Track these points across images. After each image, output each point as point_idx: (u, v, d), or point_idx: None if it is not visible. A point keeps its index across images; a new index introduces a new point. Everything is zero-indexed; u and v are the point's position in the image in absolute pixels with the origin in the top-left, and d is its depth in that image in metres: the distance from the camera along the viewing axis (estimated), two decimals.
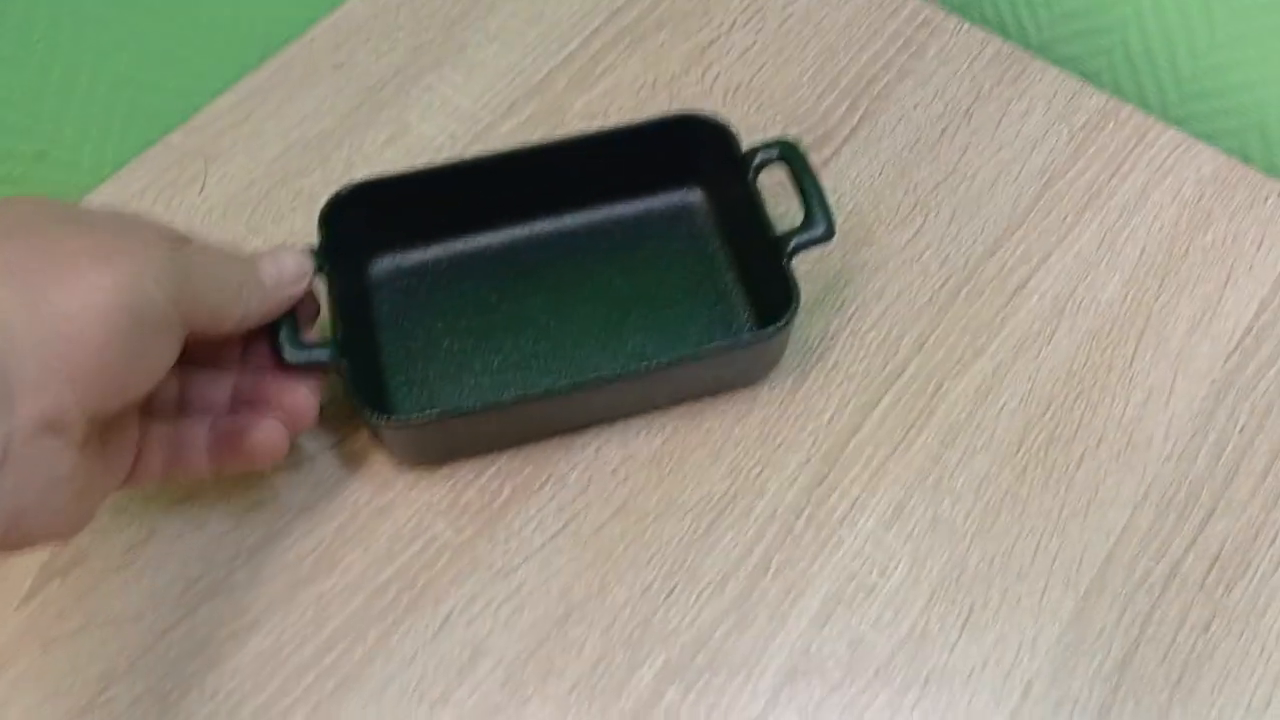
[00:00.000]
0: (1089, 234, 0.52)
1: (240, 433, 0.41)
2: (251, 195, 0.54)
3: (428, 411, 0.44)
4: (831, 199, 0.46)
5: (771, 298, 0.46)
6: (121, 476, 0.38)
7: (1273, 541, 0.45)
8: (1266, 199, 0.53)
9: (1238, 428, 0.47)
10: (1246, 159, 0.57)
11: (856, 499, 0.46)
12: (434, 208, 0.49)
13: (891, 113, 0.56)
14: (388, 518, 0.46)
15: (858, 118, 0.56)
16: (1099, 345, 0.49)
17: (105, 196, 0.54)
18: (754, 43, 0.58)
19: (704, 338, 0.49)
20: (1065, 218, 0.53)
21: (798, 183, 0.46)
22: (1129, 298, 0.50)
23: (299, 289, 0.42)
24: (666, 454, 0.47)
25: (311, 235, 0.45)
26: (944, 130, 0.56)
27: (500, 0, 0.60)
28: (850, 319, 0.50)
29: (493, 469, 0.47)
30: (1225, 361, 0.49)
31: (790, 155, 0.46)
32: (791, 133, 0.55)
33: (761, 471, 0.46)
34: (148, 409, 0.40)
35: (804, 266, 0.51)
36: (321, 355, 0.42)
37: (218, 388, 0.42)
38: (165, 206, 0.54)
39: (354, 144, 0.56)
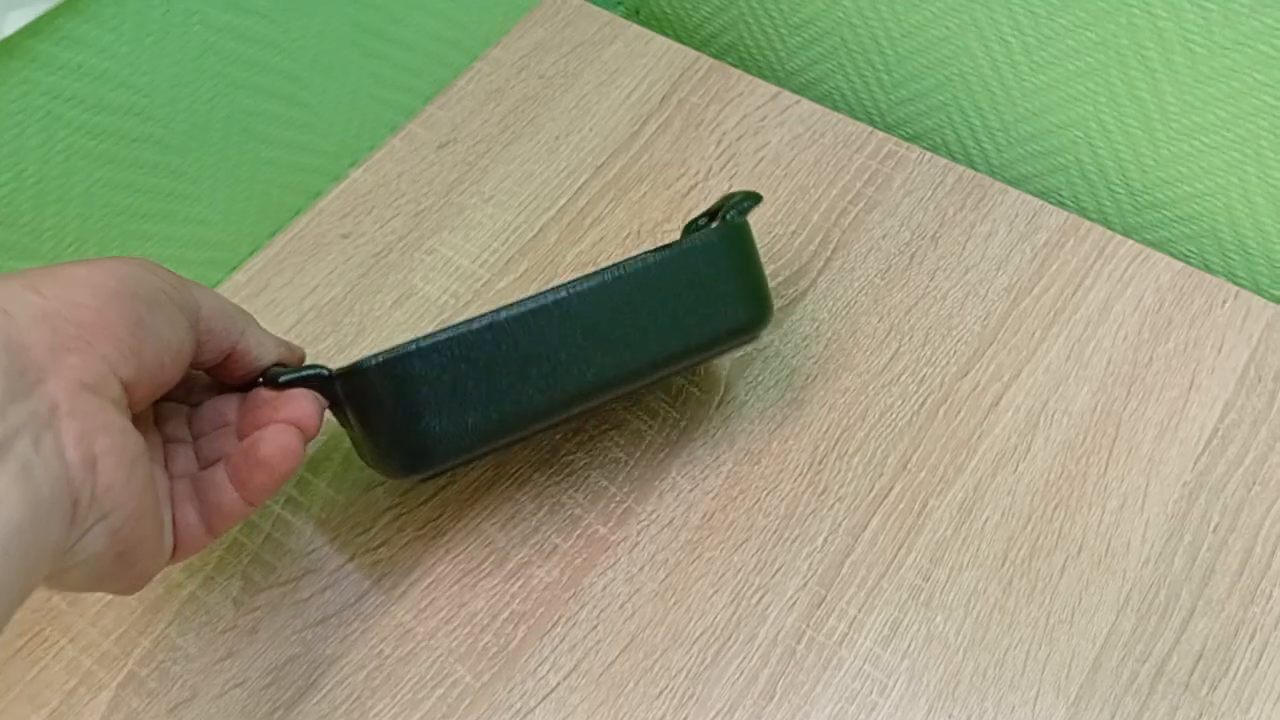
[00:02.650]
0: (1057, 348, 0.55)
1: (253, 446, 0.41)
2: None
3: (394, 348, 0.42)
4: (812, 329, 0.49)
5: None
6: (170, 544, 0.40)
7: (1252, 637, 0.47)
8: (1224, 302, 0.56)
9: (1211, 527, 0.50)
10: (1206, 265, 0.61)
11: (854, 619, 0.48)
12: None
13: (862, 243, 0.60)
14: (411, 664, 0.48)
15: (831, 250, 0.60)
16: (1073, 455, 0.52)
17: None
18: (729, 188, 0.62)
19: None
20: (1033, 333, 0.56)
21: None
22: (1099, 407, 0.53)
23: (280, 350, 0.45)
24: (670, 586, 0.50)
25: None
26: (913, 256, 0.59)
27: (493, 163, 0.65)
28: (836, 443, 0.53)
29: (506, 612, 0.49)
30: (1194, 464, 0.51)
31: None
32: (768, 269, 0.59)
33: (762, 597, 0.49)
34: (172, 470, 0.42)
35: (789, 394, 0.54)
36: (310, 372, 0.43)
37: (227, 441, 0.43)
38: None
39: (363, 308, 0.60)
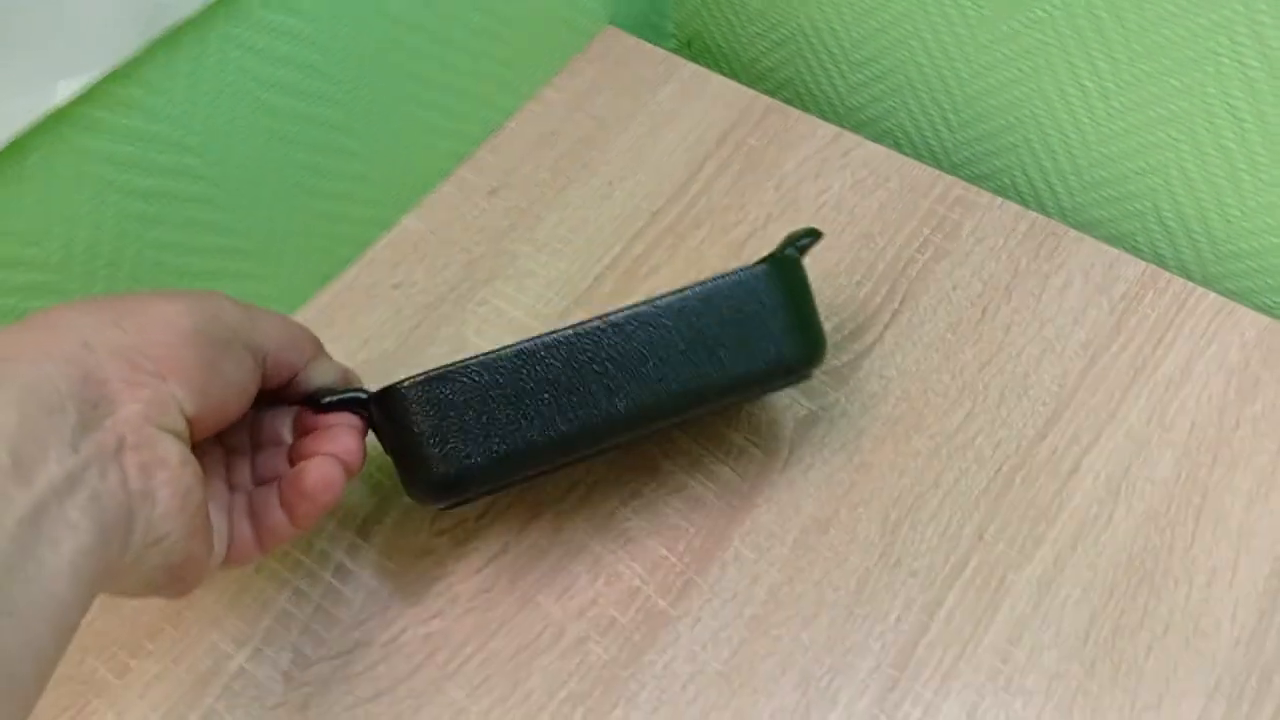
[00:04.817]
0: (1138, 410, 0.53)
1: (298, 477, 0.43)
2: None
3: (430, 370, 0.44)
4: (880, 386, 0.48)
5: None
6: (225, 542, 0.42)
7: None
8: None
9: None
10: None
11: (929, 704, 0.46)
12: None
13: (931, 294, 0.58)
14: None
15: (899, 301, 0.58)
16: (1158, 526, 0.50)
17: None
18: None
19: None
20: (1113, 394, 0.53)
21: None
22: (1183, 475, 0.51)
23: (336, 370, 0.46)
24: (735, 668, 0.48)
25: (381, 459, 0.47)
26: (985, 309, 0.57)
27: (546, 210, 0.63)
28: (909, 511, 0.51)
29: (564, 692, 0.48)
30: None
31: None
32: (832, 321, 0.57)
33: (833, 680, 0.47)
34: (231, 481, 0.45)
35: (857, 457, 0.52)
36: (355, 394, 0.45)
37: (279, 461, 0.46)
38: None
39: (416, 362, 0.58)
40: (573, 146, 0.66)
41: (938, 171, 0.62)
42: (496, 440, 0.43)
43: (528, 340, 0.43)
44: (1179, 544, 0.49)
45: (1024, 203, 0.62)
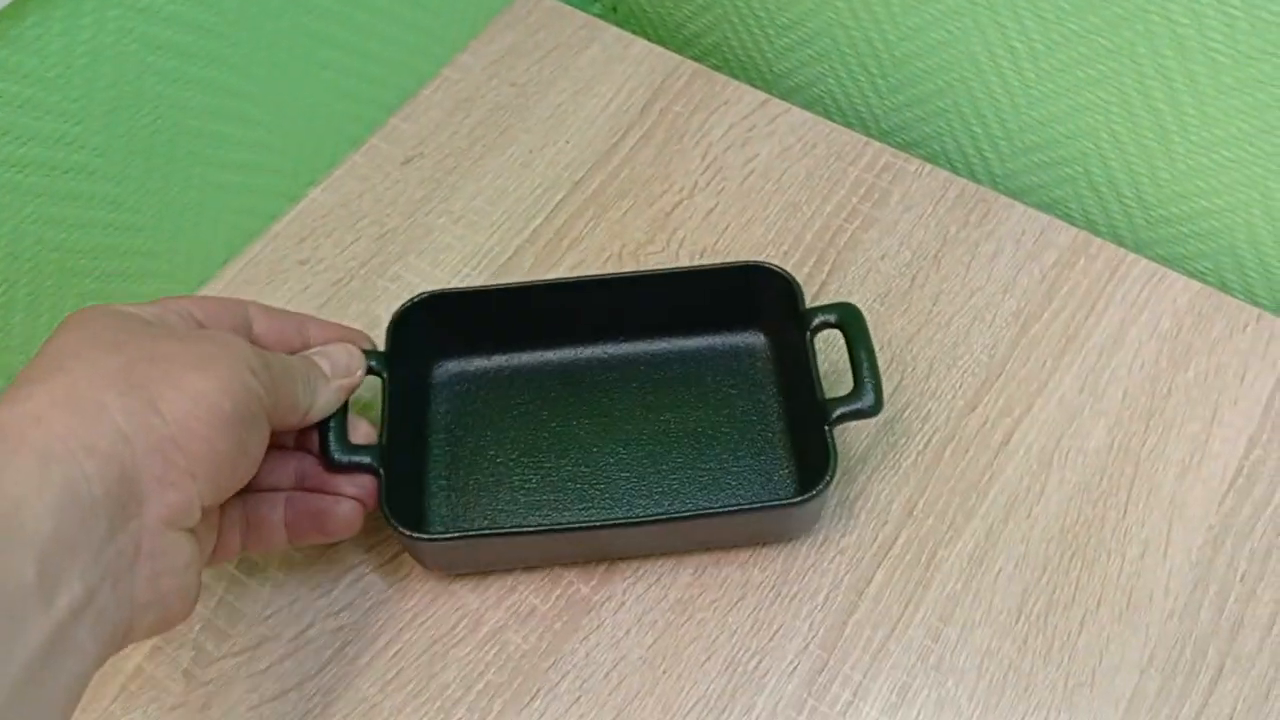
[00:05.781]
0: (1069, 379, 0.52)
1: (324, 512, 0.44)
2: None
3: (448, 534, 0.47)
4: None
5: (813, 459, 0.46)
6: (208, 553, 0.41)
7: None
8: (1245, 327, 0.52)
9: (1238, 576, 0.46)
10: (1224, 283, 0.57)
11: (859, 686, 0.45)
12: (501, 322, 0.51)
13: (859, 264, 0.56)
14: None
15: (826, 272, 0.56)
16: (1090, 498, 0.48)
17: None
18: (715, 204, 0.58)
19: (742, 486, 0.49)
20: (1044, 363, 0.52)
21: (850, 351, 0.46)
22: (1116, 445, 0.50)
23: (353, 381, 0.45)
24: (659, 653, 0.46)
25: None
26: (914, 279, 0.55)
27: (463, 180, 0.60)
28: (837, 486, 0.49)
29: (481, 684, 0.46)
30: (1219, 505, 0.48)
31: (848, 322, 0.47)
32: None
33: (760, 663, 0.45)
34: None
35: None
36: (364, 459, 0.45)
37: (282, 470, 0.45)
38: None
39: None
40: (491, 114, 0.63)
41: (866, 138, 0.60)
42: (516, 561, 0.48)
43: (558, 524, 0.48)
44: (1111, 515, 0.48)
45: (955, 170, 0.61)
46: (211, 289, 0.57)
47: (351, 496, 0.45)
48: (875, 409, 0.45)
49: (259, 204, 0.59)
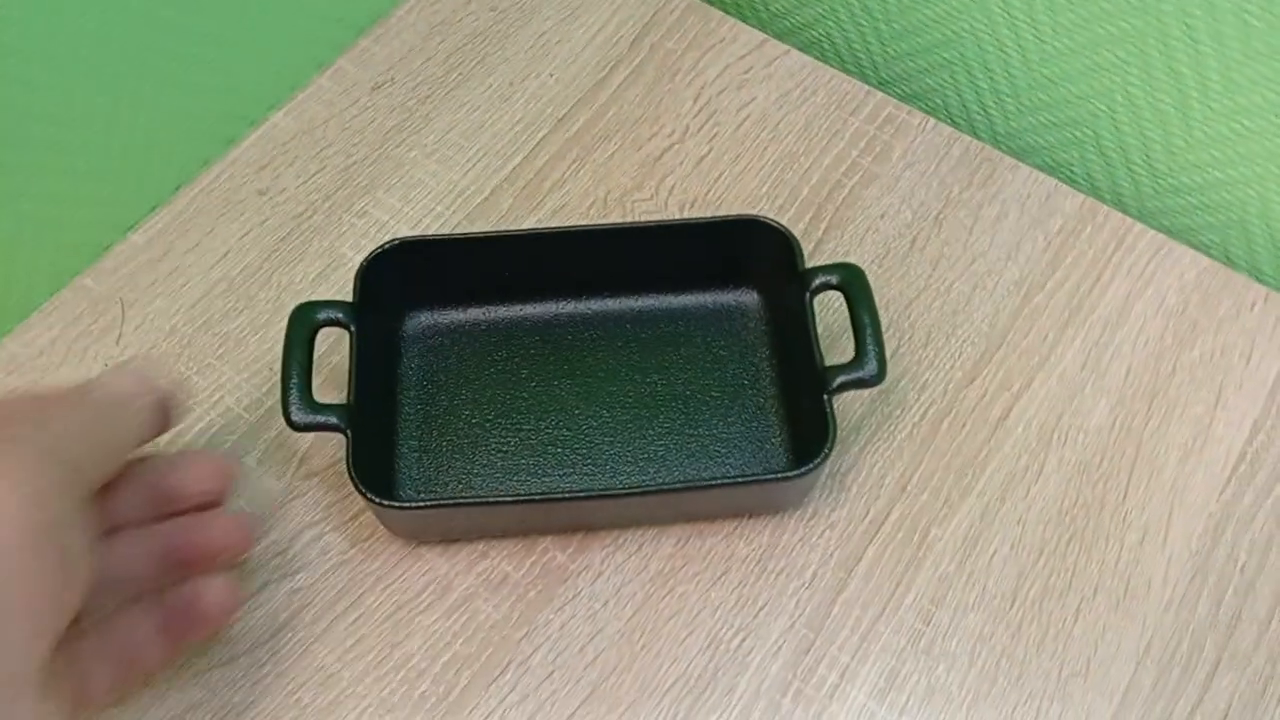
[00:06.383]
0: (1072, 353, 0.49)
1: (191, 602, 0.38)
2: (173, 344, 0.50)
3: (420, 501, 0.44)
4: None
5: (809, 429, 0.44)
6: (68, 709, 0.34)
7: None
8: (1252, 306, 0.51)
9: (1238, 567, 0.45)
10: (1229, 259, 0.55)
11: (846, 668, 0.43)
12: (477, 272, 0.48)
13: (858, 223, 0.53)
14: (334, 716, 0.42)
15: (822, 229, 0.53)
16: (1089, 479, 0.47)
17: (9, 351, 0.49)
18: (708, 151, 0.55)
19: (732, 454, 0.46)
20: (1046, 335, 0.50)
21: (853, 315, 0.44)
22: (1117, 424, 0.48)
23: (145, 402, 0.37)
24: (637, 627, 0.43)
25: (239, 392, 0.45)
26: (914, 241, 0.53)
27: (437, 110, 0.56)
28: (827, 458, 0.47)
29: (448, 654, 0.43)
30: (1220, 492, 0.46)
31: (851, 284, 0.44)
32: None
33: (743, 641, 0.43)
34: (74, 630, 0.35)
35: None
36: (330, 418, 0.41)
37: (136, 557, 0.38)
38: (80, 359, 0.49)
39: (282, 280, 0.51)
40: (468, 40, 0.59)
41: (868, 87, 0.57)
42: (488, 530, 0.45)
43: (534, 493, 0.45)
44: (1111, 499, 0.46)
45: (956, 126, 0.58)
46: (161, 216, 0.53)
47: (221, 548, 0.38)
48: (878, 378, 0.43)
49: (215, 127, 0.54)
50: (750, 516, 0.46)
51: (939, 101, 0.60)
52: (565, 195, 0.54)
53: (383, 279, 0.46)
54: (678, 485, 0.44)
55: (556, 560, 0.45)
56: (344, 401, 0.42)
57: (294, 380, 0.41)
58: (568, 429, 0.47)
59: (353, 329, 0.44)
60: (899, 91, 0.62)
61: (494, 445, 0.46)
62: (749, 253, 0.48)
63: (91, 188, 0.50)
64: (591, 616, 0.44)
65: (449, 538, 0.45)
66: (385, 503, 0.41)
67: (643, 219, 0.53)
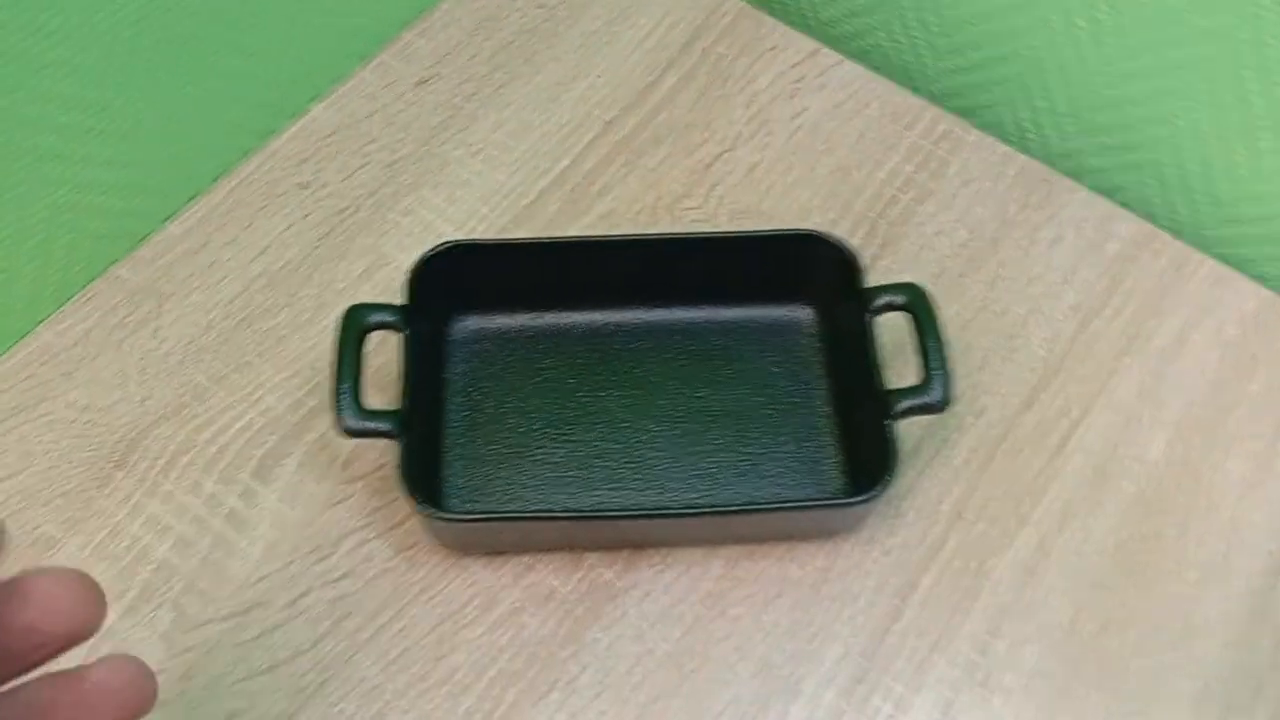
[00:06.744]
0: (1129, 383, 0.49)
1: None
2: (211, 339, 0.48)
3: (472, 513, 0.43)
4: None
5: (866, 452, 0.43)
6: None
7: None
8: None
9: None
10: None
11: (900, 699, 0.42)
12: (527, 278, 0.47)
13: (912, 239, 0.52)
14: None
15: (877, 245, 0.52)
16: (1147, 514, 0.46)
17: (44, 341, 0.48)
18: (760, 160, 0.54)
19: (785, 475, 0.45)
20: (1104, 364, 0.49)
21: (919, 338, 0.42)
22: (1175, 458, 0.47)
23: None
24: (687, 650, 0.42)
25: (279, 391, 0.45)
26: (970, 260, 0.52)
27: (483, 109, 0.55)
28: (889, 485, 0.46)
29: (493, 670, 0.42)
30: None
31: (917, 305, 0.43)
32: None
33: (795, 668, 0.42)
34: None
35: None
36: (382, 425, 0.40)
37: None
38: (116, 349, 0.48)
39: (324, 278, 0.50)
40: (515, 37, 0.58)
41: (923, 100, 0.56)
42: (535, 544, 0.45)
43: (584, 509, 0.44)
44: (1169, 533, 0.45)
45: (1007, 143, 0.57)
46: (200, 208, 0.52)
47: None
48: (943, 404, 0.42)
49: (254, 118, 0.53)
50: (803, 539, 0.45)
51: (991, 118, 0.59)
52: (613, 201, 0.53)
53: (434, 281, 0.44)
54: (736, 507, 0.43)
55: (604, 577, 0.44)
56: (394, 408, 0.41)
57: (345, 385, 0.40)
58: (615, 442, 0.46)
59: (405, 333, 0.42)
60: (949, 106, 0.61)
61: (541, 456, 0.45)
62: (805, 268, 0.47)
63: (129, 176, 0.49)
64: (640, 636, 0.43)
65: (495, 550, 0.44)
66: (441, 515, 0.39)
67: (692, 228, 0.52)
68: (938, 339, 0.42)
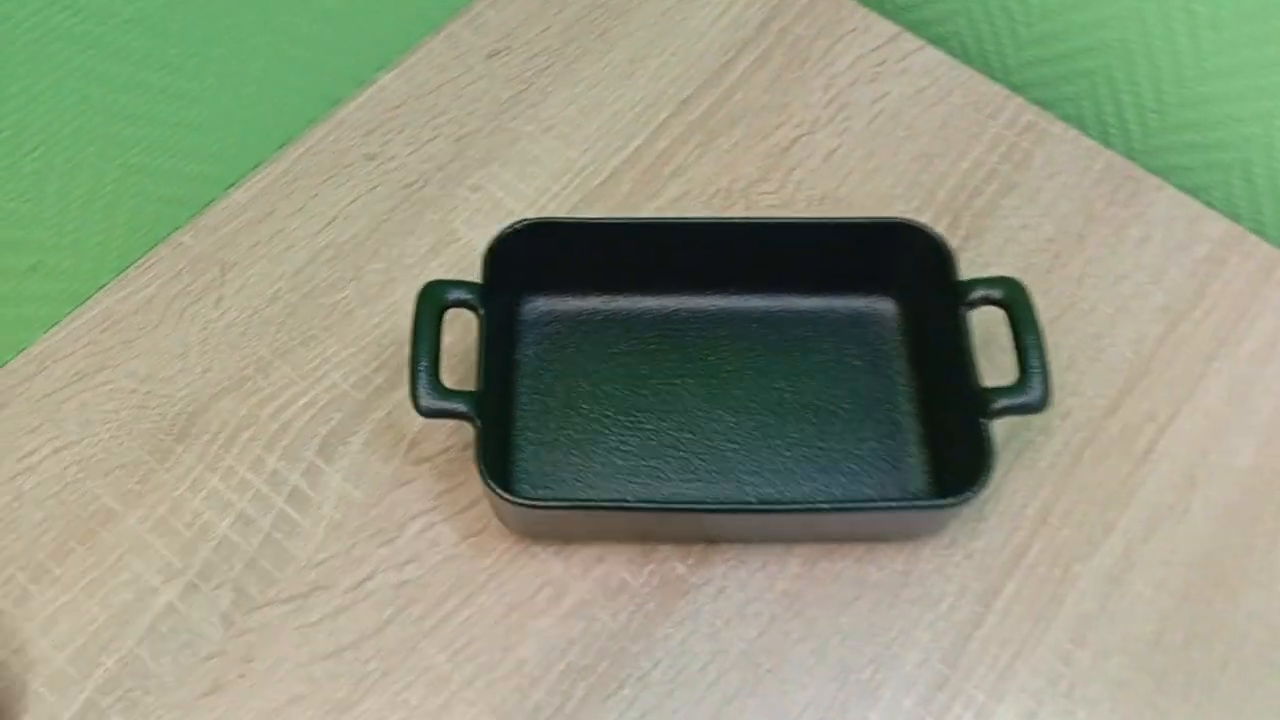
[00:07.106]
0: (1218, 388, 0.47)
1: None
2: (276, 311, 0.47)
3: (549, 501, 0.42)
4: None
5: (955, 452, 0.41)
6: None
7: None
8: None
9: None
10: None
11: (982, 707, 0.40)
12: (602, 259, 0.46)
13: (997, 232, 0.50)
14: (441, 718, 0.39)
15: (960, 237, 0.50)
16: (1237, 522, 0.44)
17: (105, 307, 0.47)
18: (839, 146, 0.52)
19: (865, 473, 0.44)
20: (1192, 367, 0.47)
21: (1016, 335, 0.41)
22: (1266, 465, 0.45)
23: None
24: (763, 650, 0.41)
25: (345, 368, 0.44)
26: (1056, 255, 0.50)
27: (555, 84, 0.54)
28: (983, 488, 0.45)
29: (563, 663, 0.40)
30: None
31: (1015, 301, 0.41)
32: None
33: (875, 673, 0.41)
34: None
35: None
36: (460, 406, 0.39)
37: None
38: (178, 319, 0.47)
39: (392, 253, 0.49)
40: (588, 10, 0.56)
41: (1007, 90, 0.54)
42: (606, 533, 0.43)
43: (658, 501, 0.43)
44: (1259, 544, 0.44)
45: (1088, 136, 0.55)
46: (265, 175, 0.50)
47: None
48: (1042, 404, 0.40)
49: (321, 84, 0.52)
50: (883, 540, 0.43)
51: (1072, 110, 0.58)
52: (687, 182, 0.51)
53: (509, 260, 0.43)
54: (823, 505, 0.42)
55: (676, 571, 0.42)
56: (470, 389, 0.40)
57: (423, 364, 0.39)
58: (690, 432, 0.44)
59: (482, 312, 0.41)
60: (1028, 97, 0.59)
61: (613, 443, 0.44)
62: (892, 257, 0.46)
63: (196, 140, 0.47)
64: (714, 635, 0.41)
65: (566, 538, 0.43)
66: (521, 501, 0.38)
67: (768, 213, 0.50)
68: (1037, 336, 0.41)
